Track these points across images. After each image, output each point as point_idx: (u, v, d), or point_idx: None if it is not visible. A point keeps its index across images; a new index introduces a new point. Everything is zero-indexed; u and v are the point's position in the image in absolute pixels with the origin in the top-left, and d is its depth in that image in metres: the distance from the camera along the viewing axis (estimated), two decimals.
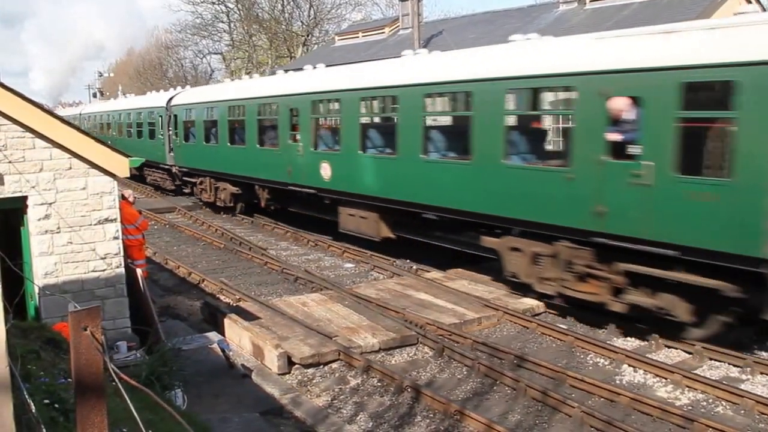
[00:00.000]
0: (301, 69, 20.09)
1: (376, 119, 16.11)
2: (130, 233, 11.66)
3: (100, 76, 73.30)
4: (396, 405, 8.50)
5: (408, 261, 15.73)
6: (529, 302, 12.12)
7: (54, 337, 7.39)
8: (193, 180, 25.12)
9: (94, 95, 69.67)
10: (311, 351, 9.84)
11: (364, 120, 15.60)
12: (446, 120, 14.68)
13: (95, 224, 9.19)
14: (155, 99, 30.24)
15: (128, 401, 2.71)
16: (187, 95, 26.09)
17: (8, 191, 8.56)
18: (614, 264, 10.00)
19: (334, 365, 9.78)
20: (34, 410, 4.23)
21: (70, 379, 4.17)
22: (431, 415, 8.17)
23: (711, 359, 9.67)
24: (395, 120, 14.49)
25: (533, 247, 11.33)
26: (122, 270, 9.43)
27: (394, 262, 15.66)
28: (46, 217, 8.85)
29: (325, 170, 16.01)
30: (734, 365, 9.43)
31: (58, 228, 8.93)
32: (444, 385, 9.12)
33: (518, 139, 12.09)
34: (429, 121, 13.80)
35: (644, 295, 9.88)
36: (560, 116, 11.18)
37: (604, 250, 10.06)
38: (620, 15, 21.58)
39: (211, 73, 60.17)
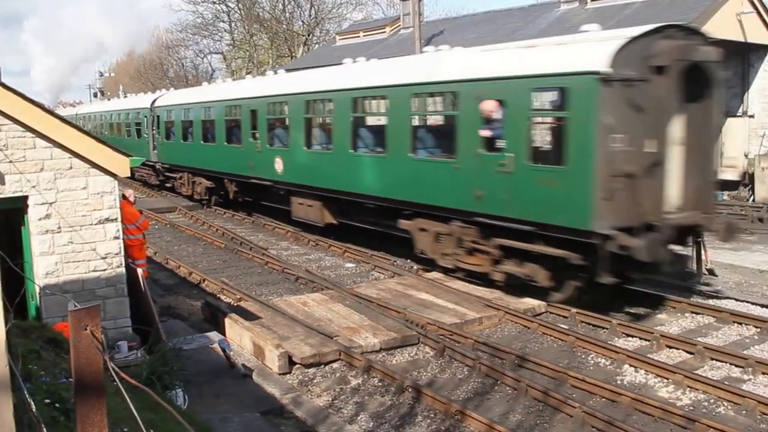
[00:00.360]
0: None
1: (317, 120, 17.55)
2: (130, 233, 11.66)
3: (101, 75, 73.32)
4: (397, 405, 8.49)
5: (409, 261, 15.73)
6: (530, 302, 12.11)
7: (55, 337, 7.39)
8: (174, 175, 27.52)
9: (95, 95, 69.69)
10: (312, 351, 9.84)
11: (308, 120, 17.31)
12: (370, 120, 16.46)
13: (96, 224, 9.18)
14: (141, 101, 32.46)
15: (128, 401, 2.70)
16: (168, 98, 28.50)
17: (9, 191, 8.55)
18: (492, 239, 11.99)
19: (335, 365, 9.77)
20: (34, 410, 4.23)
21: (71, 379, 4.16)
22: (432, 415, 8.16)
23: (712, 359, 9.66)
24: (331, 120, 16.27)
25: (435, 227, 13.34)
26: (123, 270, 9.42)
27: (395, 261, 15.66)
28: (47, 216, 8.84)
29: (278, 164, 18.27)
30: (736, 365, 9.42)
31: (59, 228, 8.93)
32: (445, 385, 9.11)
33: (421, 135, 14.52)
34: (357, 121, 15.75)
35: (515, 265, 11.87)
36: (450, 116, 13.35)
37: (484, 228, 12.08)
38: (621, 14, 21.57)
39: (212, 72, 60.16)
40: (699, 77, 10.71)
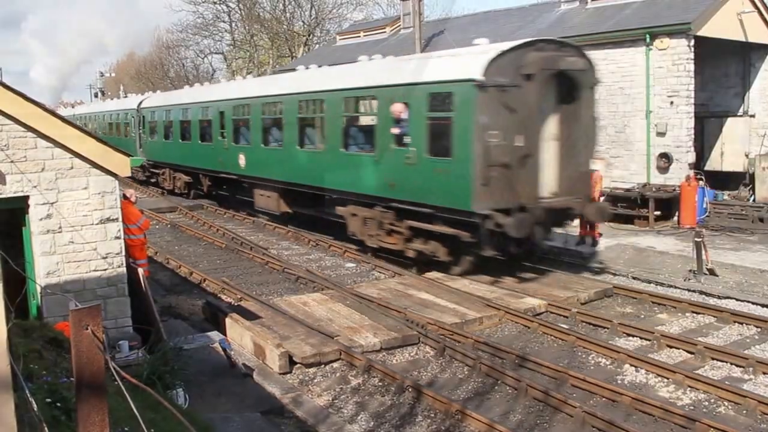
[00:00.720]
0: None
1: (271, 119, 19.38)
2: (131, 233, 11.67)
3: (102, 75, 73.27)
4: (397, 404, 8.49)
5: (408, 261, 15.71)
6: (531, 302, 12.12)
7: (56, 337, 7.39)
8: (158, 171, 29.65)
9: (96, 95, 69.67)
10: (312, 350, 9.84)
11: (264, 120, 19.58)
12: (312, 120, 17.96)
13: (97, 224, 9.19)
14: (129, 102, 34.91)
15: (130, 400, 2.70)
16: (152, 100, 30.94)
17: (10, 191, 8.56)
18: (404, 222, 14.04)
19: (336, 365, 9.77)
20: (36, 409, 4.23)
21: (72, 378, 4.17)
22: (432, 415, 8.16)
23: (713, 359, 9.66)
24: (282, 120, 18.42)
25: (363, 212, 15.27)
26: (124, 269, 9.43)
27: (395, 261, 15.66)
28: (48, 216, 8.85)
29: (242, 160, 20.61)
30: (737, 365, 9.42)
31: (60, 227, 8.93)
32: (445, 384, 9.12)
33: (351, 133, 16.19)
34: (302, 121, 17.85)
35: (421, 243, 13.96)
36: (371, 117, 15.10)
37: (398, 211, 14.13)
38: (621, 14, 21.55)
39: (212, 72, 60.14)
40: (568, 83, 12.74)
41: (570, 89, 12.84)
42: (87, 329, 2.70)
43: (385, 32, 32.60)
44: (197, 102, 24.34)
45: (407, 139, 13.44)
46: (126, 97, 45.17)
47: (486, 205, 11.96)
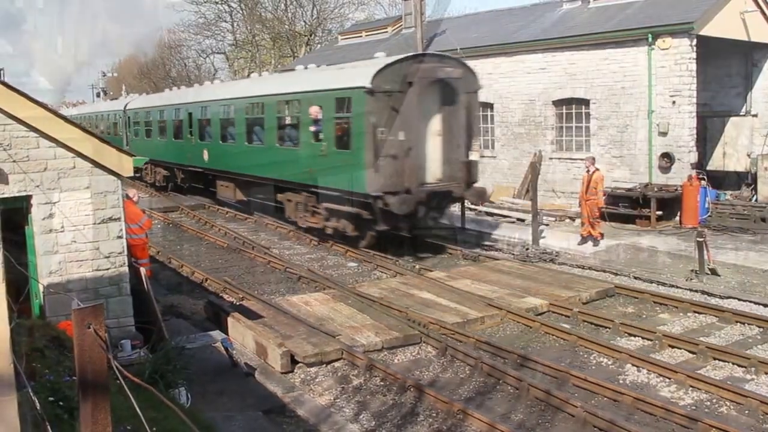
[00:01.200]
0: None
1: (226, 119, 22.38)
2: (133, 232, 11.68)
3: (104, 75, 73.29)
4: (399, 404, 8.50)
5: (411, 260, 15.72)
6: (533, 302, 12.12)
7: (58, 336, 7.41)
8: (142, 167, 31.29)
9: (98, 95, 69.72)
10: (314, 350, 9.85)
11: (221, 120, 22.64)
12: (256, 120, 20.56)
13: (99, 223, 9.20)
14: (118, 104, 38.28)
15: (132, 399, 2.71)
16: (136, 102, 34.17)
17: (12, 190, 8.58)
18: (322, 204, 16.92)
19: (337, 364, 9.78)
20: (39, 408, 4.25)
21: (74, 377, 4.18)
22: (434, 414, 8.17)
23: (715, 359, 9.65)
24: (234, 120, 21.64)
25: (295, 197, 18.30)
26: (126, 269, 9.44)
27: (397, 261, 15.67)
28: (51, 216, 8.87)
29: (205, 155, 23.66)
30: (738, 365, 9.41)
31: (63, 227, 8.95)
32: (447, 384, 9.12)
33: (285, 131, 18.92)
34: (249, 121, 20.78)
35: (335, 222, 16.76)
36: (297, 117, 18.12)
37: (318, 195, 17.00)
38: (623, 13, 21.52)
39: (214, 72, 60.12)
40: (448, 89, 15.69)
41: (450, 94, 15.75)
42: (90, 328, 2.71)
43: (386, 32, 32.59)
44: (171, 104, 27.60)
45: (321, 136, 16.50)
46: (129, 95, 45.44)
47: (377, 188, 14.83)
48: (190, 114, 25.12)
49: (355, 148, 15.31)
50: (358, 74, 15.65)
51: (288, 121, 18.84)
